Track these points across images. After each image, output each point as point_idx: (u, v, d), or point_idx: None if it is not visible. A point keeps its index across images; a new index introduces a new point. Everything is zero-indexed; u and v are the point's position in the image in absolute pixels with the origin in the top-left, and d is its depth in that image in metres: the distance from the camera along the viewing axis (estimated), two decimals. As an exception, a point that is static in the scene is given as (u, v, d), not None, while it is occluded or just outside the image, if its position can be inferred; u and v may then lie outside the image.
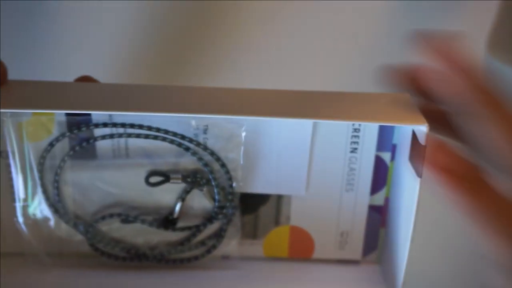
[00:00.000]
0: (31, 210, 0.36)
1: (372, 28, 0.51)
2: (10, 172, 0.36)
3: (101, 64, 0.49)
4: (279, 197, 0.37)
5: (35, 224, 0.37)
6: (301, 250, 0.39)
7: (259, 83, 0.49)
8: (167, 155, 0.35)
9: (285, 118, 0.31)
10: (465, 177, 0.28)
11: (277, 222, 0.38)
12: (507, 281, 0.30)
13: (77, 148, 0.35)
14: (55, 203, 0.36)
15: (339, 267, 0.39)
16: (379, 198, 0.37)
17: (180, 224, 0.37)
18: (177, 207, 0.36)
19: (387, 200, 0.37)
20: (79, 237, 0.37)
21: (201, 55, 0.51)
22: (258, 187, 0.37)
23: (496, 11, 0.49)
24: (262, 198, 0.37)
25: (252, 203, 0.37)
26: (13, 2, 0.44)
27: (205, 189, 0.36)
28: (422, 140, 0.30)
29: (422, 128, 0.30)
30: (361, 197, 0.37)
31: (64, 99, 0.32)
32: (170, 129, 0.34)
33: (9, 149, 0.35)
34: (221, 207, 0.36)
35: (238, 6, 0.50)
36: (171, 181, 0.35)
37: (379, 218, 0.38)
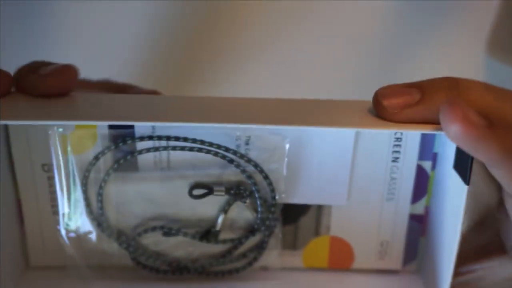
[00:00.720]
0: (73, 223, 0.36)
1: (373, 28, 0.52)
2: (52, 185, 0.36)
3: (103, 64, 0.49)
4: (320, 207, 0.37)
5: (77, 237, 0.37)
6: (340, 260, 0.39)
7: (265, 87, 0.49)
8: (210, 167, 0.35)
9: (330, 128, 0.31)
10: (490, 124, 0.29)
11: (317, 233, 0.38)
12: None
13: (121, 161, 0.35)
14: (98, 217, 0.36)
15: (379, 277, 0.39)
16: (419, 207, 0.37)
17: (222, 236, 0.37)
18: (220, 220, 0.36)
19: (427, 209, 0.37)
20: (121, 250, 0.37)
21: (204, 58, 0.52)
22: (299, 198, 0.37)
23: (496, 11, 0.50)
24: (302, 209, 0.37)
25: (292, 213, 0.37)
26: (13, 2, 0.43)
27: (248, 201, 0.36)
28: None
29: None
30: (402, 207, 0.37)
31: (107, 110, 0.32)
32: (214, 141, 0.34)
33: (54, 162, 0.35)
34: (263, 219, 0.36)
35: (243, 7, 0.51)
36: (215, 193, 0.36)
37: (419, 227, 0.38)
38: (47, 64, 0.34)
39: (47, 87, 0.32)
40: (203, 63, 0.52)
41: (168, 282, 0.37)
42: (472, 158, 0.31)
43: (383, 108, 0.31)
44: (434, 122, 0.30)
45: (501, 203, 0.33)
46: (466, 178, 0.32)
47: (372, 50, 0.51)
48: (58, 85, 0.33)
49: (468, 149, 0.29)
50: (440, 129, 0.29)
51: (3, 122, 0.30)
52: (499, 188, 0.33)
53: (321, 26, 0.51)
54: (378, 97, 0.31)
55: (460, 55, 0.48)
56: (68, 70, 0.33)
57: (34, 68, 0.33)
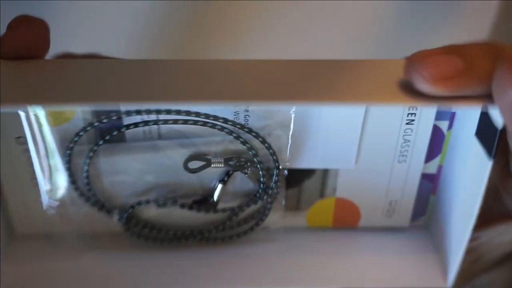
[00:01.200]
0: (57, 199, 0.33)
1: (373, 28, 0.50)
2: (30, 158, 0.32)
3: None
4: (326, 170, 0.34)
5: (63, 206, 0.34)
6: (346, 220, 0.37)
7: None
8: (206, 136, 0.32)
9: (339, 105, 0.27)
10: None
11: (322, 195, 0.36)
12: None
13: (107, 137, 0.31)
14: (85, 192, 0.33)
15: (385, 235, 0.37)
16: (432, 167, 0.35)
17: (220, 205, 0.34)
18: (218, 190, 0.33)
19: (439, 168, 0.35)
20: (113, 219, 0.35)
21: (204, 57, 0.50)
22: (305, 163, 0.34)
23: (496, 11, 0.49)
24: (307, 172, 0.34)
25: (296, 177, 0.35)
26: (13, 2, 0.42)
27: (249, 171, 0.33)
28: (498, 123, 0.28)
29: None
30: (414, 167, 0.34)
31: (85, 87, 0.27)
32: (211, 113, 0.31)
33: (28, 136, 0.31)
34: (266, 188, 0.34)
35: (240, 6, 0.49)
36: (213, 165, 0.32)
37: (430, 185, 0.35)
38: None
39: (9, 44, 0.28)
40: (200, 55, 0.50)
41: (164, 251, 0.35)
42: (501, 131, 0.28)
43: (420, 77, 0.26)
44: (477, 94, 0.26)
45: (504, 170, 0.31)
46: (491, 151, 0.29)
47: (372, 50, 0.50)
48: (21, 42, 0.28)
49: None
50: (487, 103, 0.26)
51: None
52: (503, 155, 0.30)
53: (321, 27, 0.49)
54: (416, 65, 0.26)
55: None
56: (34, 22, 0.29)
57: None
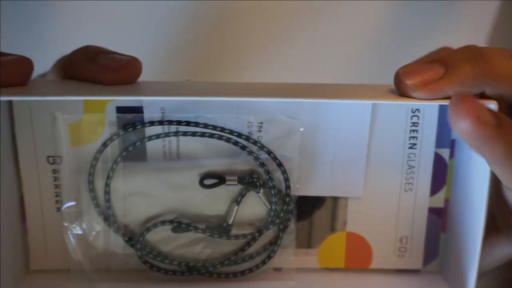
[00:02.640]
0: (78, 217, 0.35)
1: (373, 29, 0.52)
2: (57, 179, 0.35)
3: None
4: (335, 200, 0.36)
5: (82, 236, 0.35)
6: (358, 259, 0.37)
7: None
8: (221, 156, 0.34)
9: (345, 100, 0.30)
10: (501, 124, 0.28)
11: (332, 228, 0.36)
12: None
13: (130, 148, 0.34)
14: (105, 211, 0.34)
15: (398, 278, 0.37)
16: (438, 200, 0.36)
17: (234, 232, 0.35)
18: (233, 212, 0.35)
19: (446, 202, 0.36)
20: (127, 250, 0.35)
21: (207, 58, 0.51)
22: (314, 190, 0.35)
23: (496, 11, 0.50)
24: (317, 202, 0.36)
25: (307, 207, 0.36)
26: (13, 2, 0.43)
27: (261, 190, 0.34)
28: None
29: (491, 106, 0.29)
30: (421, 198, 0.35)
31: (111, 88, 0.31)
32: (226, 127, 0.33)
33: (61, 153, 0.34)
34: (277, 211, 0.35)
35: (241, 6, 0.51)
36: (227, 182, 0.34)
37: (439, 221, 0.36)
38: (106, 52, 0.33)
39: (108, 80, 0.31)
40: (207, 63, 0.51)
41: (176, 284, 0.35)
42: None
43: (406, 86, 0.30)
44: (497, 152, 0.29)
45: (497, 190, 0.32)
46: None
47: (372, 50, 0.51)
48: (122, 80, 0.32)
49: (471, 146, 0.28)
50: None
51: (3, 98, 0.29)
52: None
53: (322, 27, 0.51)
54: (400, 76, 0.30)
55: None
56: (135, 65, 0.32)
57: (91, 55, 0.32)
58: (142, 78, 0.33)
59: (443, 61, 0.30)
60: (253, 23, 0.51)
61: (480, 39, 0.48)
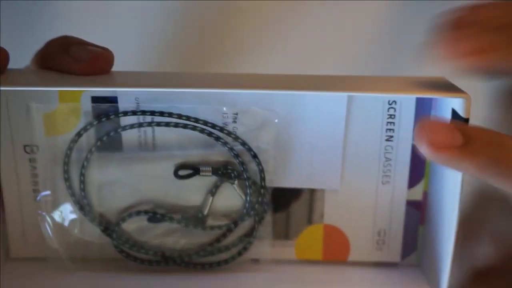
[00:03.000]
0: (54, 206, 0.35)
1: (373, 28, 0.51)
2: (34, 168, 0.35)
3: None
4: (312, 192, 0.35)
5: (59, 225, 0.35)
6: (336, 251, 0.37)
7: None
8: (196, 147, 0.34)
9: (320, 92, 0.30)
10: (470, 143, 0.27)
11: (310, 221, 0.36)
12: None
13: (104, 138, 0.34)
14: (80, 199, 0.35)
15: (376, 271, 0.37)
16: (416, 193, 0.35)
17: (210, 223, 0.35)
18: (208, 202, 0.35)
19: (425, 195, 0.35)
20: (103, 240, 0.36)
21: (206, 58, 0.51)
22: (290, 181, 0.35)
23: None
24: (294, 194, 0.36)
25: (283, 199, 0.36)
26: (13, 2, 0.43)
27: (236, 182, 0.34)
28: (464, 113, 0.29)
29: (463, 101, 0.29)
30: (398, 191, 0.35)
31: (85, 79, 0.31)
32: (200, 118, 0.33)
33: (37, 142, 0.34)
34: (252, 202, 0.35)
35: (239, 7, 0.50)
36: (201, 173, 0.34)
37: (418, 214, 0.36)
38: (79, 43, 0.33)
39: (80, 71, 0.32)
40: (205, 62, 0.51)
41: (152, 274, 0.35)
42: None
43: (425, 140, 0.28)
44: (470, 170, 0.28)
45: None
46: None
47: (371, 51, 0.51)
48: (93, 71, 0.32)
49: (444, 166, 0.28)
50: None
51: None
52: None
53: (321, 27, 0.51)
54: (421, 128, 0.28)
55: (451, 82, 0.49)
56: (106, 56, 0.32)
57: (64, 46, 0.32)
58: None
59: (467, 134, 0.28)
60: (248, 20, 0.51)
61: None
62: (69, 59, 0.32)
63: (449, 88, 0.31)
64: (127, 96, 0.33)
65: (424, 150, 0.27)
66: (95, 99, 0.33)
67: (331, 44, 0.50)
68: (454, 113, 0.31)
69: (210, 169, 0.34)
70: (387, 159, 0.35)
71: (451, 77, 0.33)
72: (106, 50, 0.32)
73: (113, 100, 0.33)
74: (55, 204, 0.35)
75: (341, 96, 0.33)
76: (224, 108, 0.33)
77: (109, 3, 0.49)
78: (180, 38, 0.51)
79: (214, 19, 0.50)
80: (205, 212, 0.35)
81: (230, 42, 0.51)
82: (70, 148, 0.34)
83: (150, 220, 0.35)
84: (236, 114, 0.33)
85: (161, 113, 0.33)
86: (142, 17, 0.50)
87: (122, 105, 0.33)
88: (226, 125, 0.34)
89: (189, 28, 0.51)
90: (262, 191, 0.34)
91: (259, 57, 0.50)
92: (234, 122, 0.34)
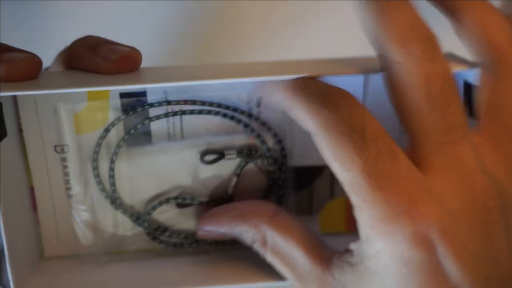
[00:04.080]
0: (86, 202, 0.36)
1: None
2: (65, 167, 0.36)
3: None
4: None
5: (92, 221, 0.36)
6: None
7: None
8: (220, 132, 0.36)
9: (337, 76, 0.32)
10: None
11: (332, 195, 0.38)
12: None
13: (132, 131, 0.35)
14: (111, 194, 0.36)
15: None
16: None
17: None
18: (232, 182, 0.36)
19: None
20: (136, 230, 0.37)
21: (205, 57, 0.52)
22: (312, 159, 0.37)
23: None
24: (316, 171, 0.37)
25: (306, 177, 0.37)
26: (13, 2, 0.43)
27: (259, 162, 0.36)
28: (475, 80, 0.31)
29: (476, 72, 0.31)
30: None
31: (113, 78, 0.32)
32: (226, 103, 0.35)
33: (67, 141, 0.35)
34: (275, 180, 0.36)
35: (239, 6, 0.52)
36: (226, 157, 0.36)
37: None
38: (106, 43, 0.33)
39: (108, 70, 0.32)
40: (205, 61, 0.53)
41: (186, 256, 0.37)
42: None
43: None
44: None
45: None
46: (471, 111, 0.32)
47: (371, 50, 0.53)
48: (122, 70, 0.33)
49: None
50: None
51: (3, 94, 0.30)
52: None
53: (320, 27, 0.52)
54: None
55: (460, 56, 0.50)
56: (135, 55, 0.33)
57: (91, 46, 0.33)
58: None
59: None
60: (252, 20, 0.52)
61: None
62: (97, 58, 0.32)
63: (459, 61, 0.33)
64: (156, 90, 0.34)
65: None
66: (124, 95, 0.35)
67: (332, 44, 0.52)
68: (467, 84, 0.33)
69: (235, 152, 0.36)
70: (402, 132, 0.36)
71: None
72: (134, 49, 0.33)
73: (142, 94, 0.35)
74: (87, 201, 0.36)
75: (358, 77, 0.35)
76: (247, 94, 0.35)
77: (110, 3, 0.49)
78: (182, 36, 0.52)
79: (215, 19, 0.52)
80: (230, 191, 0.36)
81: (231, 42, 0.53)
82: (99, 144, 0.35)
83: (179, 205, 0.36)
84: (260, 97, 0.35)
85: (185, 102, 0.35)
86: (143, 17, 0.51)
87: (151, 99, 0.35)
88: (251, 110, 0.35)
89: (190, 28, 0.52)
90: (284, 168, 0.36)
91: (259, 58, 0.51)
92: (258, 106, 0.35)
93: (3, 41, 0.44)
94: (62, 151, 0.36)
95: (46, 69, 0.38)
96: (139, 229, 0.37)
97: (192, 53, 0.53)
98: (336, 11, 0.53)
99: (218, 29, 0.52)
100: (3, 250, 0.33)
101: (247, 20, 0.53)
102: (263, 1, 0.52)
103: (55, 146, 0.36)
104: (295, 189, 0.37)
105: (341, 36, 0.52)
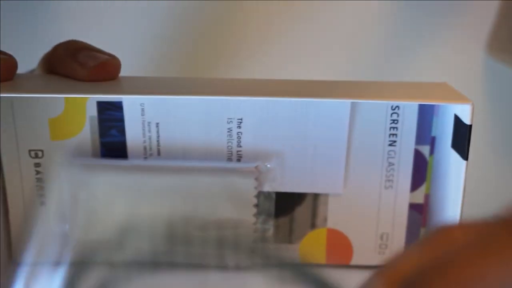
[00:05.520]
0: (59, 211, 0.35)
1: (372, 29, 0.51)
2: (39, 172, 0.35)
3: None
4: (315, 197, 0.36)
5: (63, 229, 0.35)
6: (339, 255, 0.37)
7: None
8: (199, 153, 0.34)
9: (324, 99, 0.30)
10: None
11: (313, 225, 0.36)
12: None
13: (108, 142, 0.34)
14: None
15: None
16: (418, 195, 0.36)
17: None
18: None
19: (427, 197, 0.36)
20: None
21: (204, 58, 0.51)
22: (293, 186, 0.35)
23: (496, 12, 0.49)
24: (297, 198, 0.36)
25: (287, 204, 0.36)
26: (13, 2, 0.43)
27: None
28: (467, 119, 0.30)
29: (467, 107, 0.29)
30: (401, 195, 0.35)
31: (90, 85, 0.31)
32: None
33: (42, 146, 0.34)
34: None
35: (240, 7, 0.51)
36: None
37: (420, 217, 0.36)
38: (86, 49, 0.33)
39: (87, 77, 0.32)
40: (204, 63, 0.51)
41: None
42: (470, 132, 0.30)
43: None
44: None
45: None
46: (464, 153, 0.30)
47: (371, 51, 0.51)
48: (99, 78, 0.32)
49: None
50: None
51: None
52: None
53: (319, 27, 0.51)
54: None
55: (460, 56, 0.48)
56: (113, 64, 0.33)
57: (72, 51, 0.33)
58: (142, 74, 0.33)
59: None
60: (248, 22, 0.51)
61: (480, 39, 0.48)
62: (76, 65, 0.32)
63: (452, 94, 0.31)
64: (133, 101, 0.33)
65: None
66: (101, 104, 0.34)
67: (332, 45, 0.51)
68: (457, 119, 0.31)
69: None
70: (390, 164, 0.35)
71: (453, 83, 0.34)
72: (113, 58, 0.32)
73: (118, 104, 0.34)
74: (60, 208, 0.35)
75: (345, 102, 0.33)
76: (229, 114, 0.33)
77: (110, 3, 0.49)
78: (181, 39, 0.51)
79: (214, 20, 0.51)
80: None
81: (231, 44, 0.51)
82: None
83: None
84: (241, 119, 0.34)
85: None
86: (143, 18, 0.50)
87: (127, 110, 0.33)
88: (231, 129, 0.34)
89: (190, 29, 0.51)
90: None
91: (260, 58, 0.50)
92: (239, 127, 0.34)
93: (3, 41, 0.43)
94: (37, 156, 0.35)
95: (32, 71, 0.37)
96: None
97: (192, 53, 0.52)
98: (337, 13, 0.51)
99: (213, 31, 0.51)
100: None
101: (243, 23, 0.51)
102: (264, 1, 0.50)
103: (30, 151, 0.35)
104: (275, 215, 0.36)
105: (341, 36, 0.51)
